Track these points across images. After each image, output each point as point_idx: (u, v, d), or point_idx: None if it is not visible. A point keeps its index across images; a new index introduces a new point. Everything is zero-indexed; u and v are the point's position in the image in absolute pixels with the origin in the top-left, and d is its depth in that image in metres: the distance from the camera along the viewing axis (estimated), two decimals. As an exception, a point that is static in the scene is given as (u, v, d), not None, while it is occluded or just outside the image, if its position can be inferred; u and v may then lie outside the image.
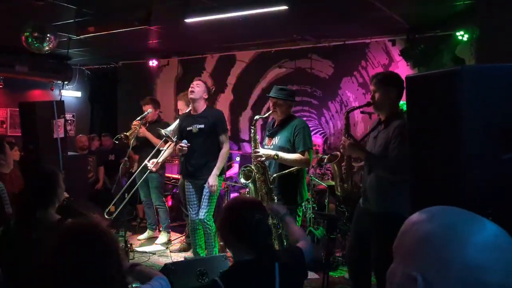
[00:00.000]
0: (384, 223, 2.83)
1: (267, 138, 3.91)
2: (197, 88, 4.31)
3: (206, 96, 4.39)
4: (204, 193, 4.33)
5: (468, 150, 1.83)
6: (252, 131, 3.73)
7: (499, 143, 1.85)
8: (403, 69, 5.93)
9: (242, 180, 3.79)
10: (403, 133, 2.76)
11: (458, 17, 4.94)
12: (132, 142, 5.30)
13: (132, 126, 5.30)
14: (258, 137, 3.75)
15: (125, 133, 5.29)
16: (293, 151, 3.65)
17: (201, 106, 4.38)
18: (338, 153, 3.46)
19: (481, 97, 1.86)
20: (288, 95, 3.81)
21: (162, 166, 5.85)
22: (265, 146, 3.82)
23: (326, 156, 3.58)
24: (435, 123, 1.97)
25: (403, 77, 2.41)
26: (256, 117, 3.79)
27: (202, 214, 4.33)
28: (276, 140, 3.78)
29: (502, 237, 0.76)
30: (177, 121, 4.71)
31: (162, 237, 5.70)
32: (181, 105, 5.18)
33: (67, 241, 1.35)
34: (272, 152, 3.62)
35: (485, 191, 1.83)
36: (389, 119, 3.05)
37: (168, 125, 5.19)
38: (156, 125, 5.48)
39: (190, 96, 4.32)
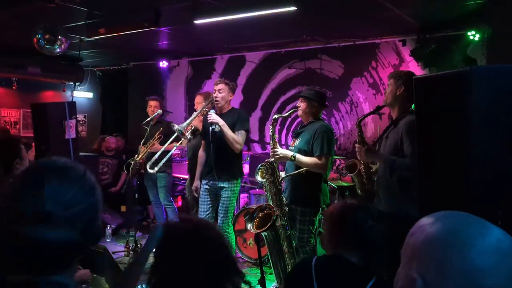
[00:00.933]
0: (395, 223, 2.80)
1: (293, 139, 3.90)
2: (221, 95, 4.22)
3: (231, 97, 4.32)
4: (222, 199, 4.23)
5: (477, 152, 1.82)
6: (271, 130, 3.72)
7: (508, 145, 1.83)
8: (413, 70, 5.87)
9: (259, 178, 3.83)
10: (413, 129, 2.73)
11: (470, 16, 4.88)
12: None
13: (141, 150, 5.31)
14: (277, 136, 3.74)
15: (137, 161, 5.26)
16: (311, 154, 3.61)
17: (226, 107, 4.32)
18: (355, 161, 3.43)
19: (490, 99, 1.84)
20: (317, 96, 3.77)
21: (169, 166, 5.88)
22: (290, 147, 3.82)
23: (344, 168, 3.55)
24: (444, 124, 1.95)
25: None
26: (275, 116, 3.78)
27: (220, 221, 4.20)
28: (297, 142, 3.76)
29: (506, 242, 0.75)
30: (191, 118, 4.54)
31: None
32: (199, 99, 5.12)
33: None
34: (290, 153, 3.61)
35: (494, 193, 1.81)
36: (398, 118, 3.06)
37: (170, 125, 5.20)
38: (158, 125, 5.51)
39: (217, 105, 4.24)
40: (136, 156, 5.28)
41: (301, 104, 3.75)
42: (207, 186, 4.33)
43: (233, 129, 4.14)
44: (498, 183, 1.82)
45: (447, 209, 0.86)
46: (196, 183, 4.65)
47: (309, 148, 3.61)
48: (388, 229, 2.91)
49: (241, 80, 7.62)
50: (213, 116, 3.96)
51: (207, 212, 4.30)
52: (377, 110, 3.23)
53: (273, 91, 7.24)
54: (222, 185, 4.23)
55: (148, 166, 5.00)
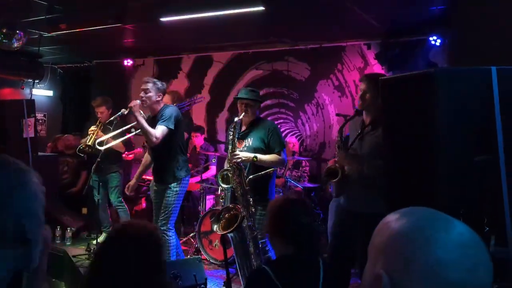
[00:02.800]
0: (373, 224, 2.85)
1: (237, 141, 3.84)
2: (145, 94, 4.01)
3: (160, 98, 4.09)
4: (164, 200, 4.08)
5: (441, 151, 1.85)
6: (231, 133, 3.69)
7: (472, 145, 1.88)
8: (378, 73, 6.02)
9: (223, 185, 3.73)
10: None
11: (432, 22, 5.04)
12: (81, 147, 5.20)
13: (89, 132, 5.14)
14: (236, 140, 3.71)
15: (87, 144, 5.08)
16: (267, 151, 3.67)
17: (157, 108, 4.11)
18: (337, 168, 3.32)
19: (454, 100, 1.88)
20: (259, 96, 3.86)
21: (122, 166, 5.76)
22: (237, 149, 3.78)
23: (325, 176, 3.49)
24: (410, 124, 1.98)
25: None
26: (236, 119, 3.75)
27: (159, 222, 4.06)
28: (249, 142, 3.75)
29: (467, 235, 0.77)
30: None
31: None
32: (166, 98, 5.02)
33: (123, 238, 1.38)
34: (251, 155, 3.60)
35: (458, 191, 1.85)
36: (377, 120, 3.05)
37: (124, 125, 5.07)
38: (109, 126, 5.33)
39: (143, 106, 4.03)
40: (85, 139, 5.08)
41: (250, 108, 3.74)
42: (156, 188, 4.27)
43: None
44: (462, 181, 1.87)
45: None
46: (133, 181, 4.52)
47: (265, 146, 3.68)
48: (366, 229, 2.93)
49: (208, 80, 7.56)
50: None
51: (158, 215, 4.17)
52: (357, 115, 3.23)
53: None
54: (166, 186, 4.09)
55: (96, 142, 4.74)
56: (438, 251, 0.74)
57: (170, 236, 4.06)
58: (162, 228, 4.01)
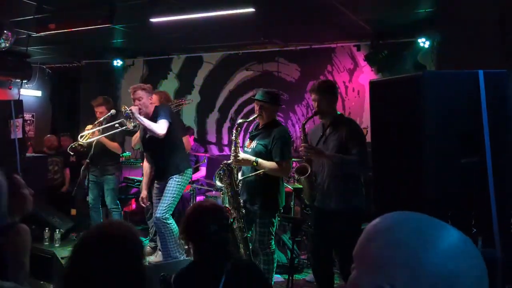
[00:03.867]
0: (345, 218, 3.09)
1: (248, 140, 3.85)
2: (139, 102, 4.16)
3: (151, 99, 4.31)
4: (166, 188, 4.22)
5: (429, 153, 1.87)
6: (234, 134, 3.65)
7: (458, 147, 1.90)
8: (367, 74, 6.06)
9: (218, 183, 3.73)
10: (360, 131, 3.22)
11: (420, 24, 5.09)
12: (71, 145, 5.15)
13: (86, 130, 5.08)
14: (240, 141, 3.67)
15: (80, 143, 5.02)
16: (269, 157, 3.58)
17: (151, 110, 4.26)
18: (306, 165, 3.46)
19: (442, 102, 1.91)
20: (273, 98, 3.73)
21: (118, 168, 5.71)
22: (245, 148, 3.77)
23: (295, 172, 3.61)
24: (397, 126, 2.00)
25: (368, 82, 2.47)
26: (239, 120, 3.73)
27: (159, 210, 4.18)
28: (254, 144, 3.72)
29: (469, 244, 0.76)
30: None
31: None
32: (154, 99, 5.02)
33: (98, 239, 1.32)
34: (252, 158, 3.55)
35: (445, 193, 1.88)
36: (335, 123, 3.31)
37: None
38: (108, 126, 5.30)
39: (142, 114, 4.14)
40: (80, 136, 5.02)
41: (258, 108, 3.73)
42: (158, 185, 4.37)
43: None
44: (449, 183, 1.89)
45: (402, 209, 0.85)
46: (143, 193, 4.55)
47: (266, 152, 3.60)
48: (344, 225, 3.03)
49: (198, 80, 7.55)
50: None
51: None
52: (316, 114, 3.45)
53: (231, 93, 7.22)
54: (167, 180, 4.21)
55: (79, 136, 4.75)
56: (448, 260, 0.73)
57: (171, 223, 4.16)
58: (162, 216, 4.11)
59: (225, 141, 7.30)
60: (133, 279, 1.29)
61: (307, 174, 3.40)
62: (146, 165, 4.60)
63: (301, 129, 3.47)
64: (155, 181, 4.44)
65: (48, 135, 7.21)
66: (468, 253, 0.74)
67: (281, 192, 3.71)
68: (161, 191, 4.30)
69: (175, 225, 4.19)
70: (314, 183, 3.42)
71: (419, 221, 0.80)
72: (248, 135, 3.95)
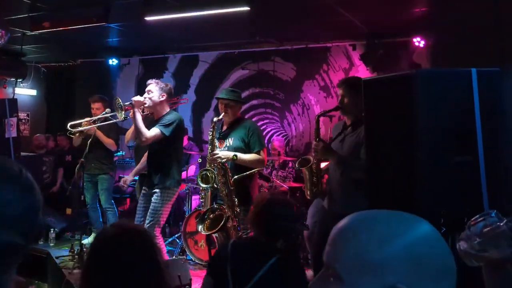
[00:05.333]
0: None
1: (217, 140, 3.84)
2: (147, 95, 3.92)
3: (164, 97, 3.96)
4: (151, 205, 3.94)
5: (422, 152, 1.88)
6: (210, 133, 3.69)
7: (452, 146, 1.90)
8: (363, 73, 6.06)
9: (202, 185, 3.71)
10: None
11: (415, 24, 5.11)
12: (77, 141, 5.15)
13: (84, 124, 5.05)
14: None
15: (80, 129, 4.97)
16: (247, 151, 3.65)
17: (161, 111, 3.99)
18: (309, 157, 3.45)
19: (435, 101, 1.91)
20: (239, 96, 3.83)
21: (112, 168, 5.70)
22: (217, 149, 3.77)
23: (297, 163, 3.56)
24: (390, 125, 2.00)
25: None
26: (215, 119, 3.74)
27: (146, 225, 3.91)
28: (230, 142, 3.73)
29: (437, 234, 0.80)
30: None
31: None
32: None
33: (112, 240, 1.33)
34: (231, 153, 3.58)
35: (438, 192, 1.88)
36: (356, 123, 3.09)
37: (117, 124, 5.03)
38: (104, 124, 5.27)
39: (145, 107, 3.96)
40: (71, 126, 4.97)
41: (223, 106, 3.74)
42: (144, 191, 4.12)
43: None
44: (442, 182, 1.89)
45: (394, 208, 0.86)
46: (129, 177, 4.50)
47: (245, 145, 3.67)
48: None
49: (194, 80, 7.54)
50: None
51: (140, 218, 4.04)
52: (337, 109, 3.25)
53: (226, 92, 7.21)
54: (154, 190, 3.97)
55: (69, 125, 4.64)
56: (442, 246, 0.77)
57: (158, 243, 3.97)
58: None
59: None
60: (153, 270, 1.30)
61: (308, 165, 3.35)
62: (146, 156, 4.41)
63: (315, 122, 3.32)
64: (143, 186, 4.18)
65: (37, 135, 7.17)
66: (435, 242, 0.77)
67: (255, 186, 3.81)
68: (146, 199, 4.04)
69: (162, 243, 4.02)
70: (317, 178, 3.35)
71: (405, 218, 0.81)
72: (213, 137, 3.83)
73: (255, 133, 3.69)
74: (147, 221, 3.95)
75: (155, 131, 3.85)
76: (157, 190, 3.95)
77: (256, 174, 3.82)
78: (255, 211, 2.22)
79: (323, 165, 3.41)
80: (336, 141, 3.26)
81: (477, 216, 1.18)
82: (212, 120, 3.75)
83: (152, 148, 4.07)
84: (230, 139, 3.74)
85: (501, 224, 1.11)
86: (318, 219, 3.42)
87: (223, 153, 3.60)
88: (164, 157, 3.98)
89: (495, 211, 1.16)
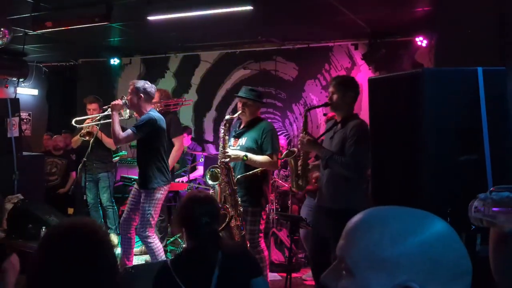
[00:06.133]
0: (340, 219, 2.92)
1: (233, 139, 3.85)
2: (129, 97, 3.99)
3: (141, 98, 3.98)
4: (141, 205, 3.97)
5: (427, 150, 1.87)
6: (222, 131, 3.67)
7: (457, 145, 1.90)
8: (365, 73, 6.05)
9: (210, 182, 3.72)
10: (360, 133, 2.96)
11: (417, 23, 5.10)
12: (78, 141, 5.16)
13: (85, 124, 5.05)
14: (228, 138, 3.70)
15: (88, 130, 4.98)
16: (260, 153, 3.62)
17: (143, 111, 4.01)
18: (295, 149, 3.51)
19: (441, 99, 1.91)
20: (258, 96, 3.76)
21: (113, 166, 5.71)
22: (231, 147, 3.77)
23: (284, 154, 3.61)
24: (396, 123, 2.00)
25: (365, 81, 2.46)
26: (227, 116, 3.74)
27: (137, 226, 3.98)
28: (243, 141, 3.73)
29: (452, 233, 0.78)
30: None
31: (113, 239, 5.51)
32: (157, 97, 5.04)
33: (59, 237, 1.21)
34: (241, 153, 3.57)
35: (445, 190, 1.88)
36: (345, 120, 3.18)
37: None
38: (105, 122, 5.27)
39: (113, 102, 4.03)
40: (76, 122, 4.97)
41: (241, 105, 3.74)
42: (136, 188, 4.16)
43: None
44: (448, 180, 1.89)
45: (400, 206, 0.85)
46: None
47: (257, 147, 3.63)
48: (334, 225, 3.01)
49: (196, 79, 7.53)
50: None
51: (127, 214, 4.10)
52: (326, 105, 3.32)
53: (228, 92, 7.21)
54: (141, 191, 4.02)
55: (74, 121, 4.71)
56: (458, 246, 0.76)
57: (152, 243, 3.94)
58: (141, 233, 3.93)
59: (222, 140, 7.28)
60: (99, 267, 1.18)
61: (293, 156, 3.41)
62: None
63: (303, 116, 3.38)
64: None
65: (56, 136, 7.08)
66: (451, 241, 0.76)
67: (267, 189, 3.76)
68: (137, 198, 4.07)
69: (157, 241, 4.01)
70: (304, 171, 3.39)
71: (417, 216, 0.80)
72: (231, 134, 3.88)
73: (269, 135, 3.62)
74: (140, 222, 3.98)
75: (127, 132, 3.93)
76: (142, 191, 3.99)
77: (268, 175, 3.75)
78: (178, 208, 2.24)
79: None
80: (326, 137, 3.32)
81: (504, 185, 1.17)
82: (225, 118, 3.75)
83: (137, 149, 4.14)
84: (244, 138, 3.72)
85: None
86: (312, 218, 3.46)
87: (234, 152, 3.59)
88: (143, 158, 4.02)
89: None
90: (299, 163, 3.42)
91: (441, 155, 1.90)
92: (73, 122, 4.55)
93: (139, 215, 3.98)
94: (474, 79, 1.91)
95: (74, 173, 6.57)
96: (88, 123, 5.02)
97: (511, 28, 3.77)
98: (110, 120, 4.67)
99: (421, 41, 5.28)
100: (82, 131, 5.04)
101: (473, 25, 3.94)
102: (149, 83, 4.14)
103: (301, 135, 3.31)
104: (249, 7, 4.26)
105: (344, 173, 3.05)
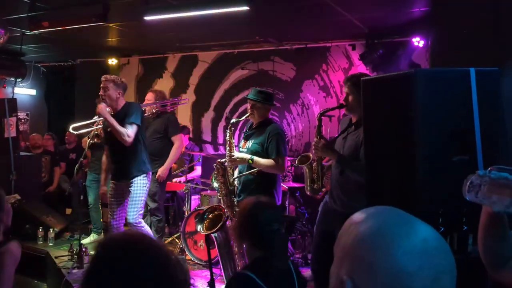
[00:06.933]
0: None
1: (243, 140, 3.84)
2: (103, 93, 3.99)
3: (120, 95, 4.05)
4: (130, 195, 4.04)
5: (421, 151, 1.88)
6: (228, 134, 3.65)
7: (451, 145, 1.90)
8: (362, 73, 6.06)
9: (215, 185, 3.73)
10: None
11: (415, 23, 5.11)
12: (89, 141, 5.13)
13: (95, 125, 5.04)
14: (234, 140, 3.67)
15: (96, 132, 4.97)
16: (266, 156, 3.58)
17: (118, 105, 4.05)
18: (309, 154, 3.46)
19: (434, 100, 1.91)
20: (266, 98, 3.71)
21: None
22: (241, 149, 3.77)
23: (297, 161, 3.56)
24: (389, 124, 2.00)
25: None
26: (233, 120, 3.73)
27: (130, 217, 4.03)
28: (249, 144, 3.72)
29: (431, 242, 0.75)
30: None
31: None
32: (150, 96, 5.05)
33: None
34: (248, 156, 3.55)
35: (437, 190, 1.88)
36: (360, 121, 3.06)
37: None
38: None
39: (98, 110, 3.94)
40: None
41: (251, 107, 3.72)
42: (115, 186, 4.15)
43: (123, 123, 3.93)
44: (441, 181, 1.89)
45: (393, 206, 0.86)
46: (103, 188, 4.44)
47: (263, 150, 3.60)
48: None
49: (194, 80, 7.54)
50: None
51: (117, 210, 4.14)
52: (341, 107, 3.28)
53: (226, 92, 7.21)
54: (128, 182, 4.04)
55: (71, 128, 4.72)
56: (401, 258, 0.72)
57: (143, 226, 4.10)
58: (135, 222, 4.00)
59: (220, 140, 7.30)
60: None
61: (307, 163, 3.36)
62: (105, 161, 4.45)
63: (317, 120, 3.31)
64: (112, 181, 4.19)
65: (33, 134, 7.17)
66: (426, 251, 0.74)
67: (278, 190, 3.71)
68: (118, 193, 4.10)
69: (147, 227, 4.17)
70: (318, 175, 3.36)
71: (386, 217, 0.80)
72: (242, 136, 3.92)
73: (274, 139, 3.56)
74: (132, 212, 4.02)
75: (131, 126, 3.93)
76: (135, 178, 4.02)
77: (279, 178, 3.72)
78: (240, 218, 2.05)
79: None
80: (339, 137, 3.26)
81: (504, 166, 1.16)
82: (231, 121, 3.74)
83: (115, 139, 3.97)
84: (251, 141, 3.70)
85: None
86: (320, 215, 3.42)
87: (240, 155, 3.57)
88: (135, 145, 4.02)
89: None
90: (314, 167, 3.38)
91: (434, 156, 1.90)
92: (70, 129, 4.55)
93: (126, 207, 4.05)
94: (466, 79, 1.91)
95: (57, 169, 6.64)
96: (90, 127, 5.01)
97: (507, 29, 3.77)
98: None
99: (418, 41, 5.28)
100: (91, 133, 5.04)
101: (469, 26, 3.94)
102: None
103: (315, 139, 3.23)
104: (245, 8, 4.25)
105: (359, 179, 2.94)
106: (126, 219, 4.14)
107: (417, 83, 1.88)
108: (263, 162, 3.55)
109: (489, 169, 1.17)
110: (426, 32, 5.19)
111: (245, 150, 3.70)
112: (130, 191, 4.03)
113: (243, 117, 3.80)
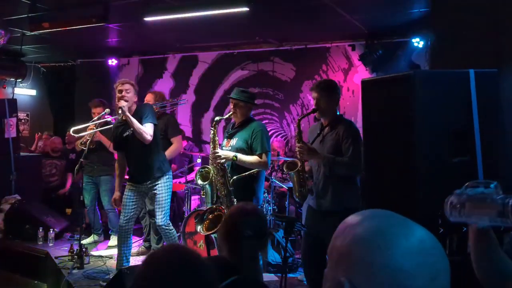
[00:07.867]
0: (339, 219, 2.93)
1: (225, 139, 3.88)
2: (127, 95, 4.00)
3: (136, 99, 4.11)
4: (156, 197, 4.08)
5: (420, 152, 1.88)
6: (212, 132, 3.70)
7: (449, 146, 1.91)
8: (362, 74, 6.07)
9: (199, 182, 3.74)
10: (354, 132, 3.04)
11: (414, 24, 5.11)
12: (80, 147, 5.15)
13: (88, 129, 5.04)
14: (218, 138, 3.71)
15: (88, 138, 4.97)
16: (250, 153, 3.64)
17: (132, 108, 4.06)
18: (296, 160, 3.50)
19: (433, 101, 1.92)
20: (249, 97, 3.79)
21: (114, 168, 5.69)
22: (224, 148, 3.78)
23: (285, 167, 3.59)
24: (388, 125, 2.01)
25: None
26: (217, 118, 3.76)
27: (160, 220, 4.08)
28: (234, 142, 3.76)
29: (428, 242, 0.76)
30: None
31: (114, 241, 5.51)
32: (149, 97, 5.06)
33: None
34: (231, 154, 3.59)
35: (436, 192, 1.88)
36: (333, 122, 3.24)
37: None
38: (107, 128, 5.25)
39: (122, 105, 3.92)
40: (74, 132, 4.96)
41: (239, 109, 3.75)
42: (133, 188, 4.13)
43: (141, 123, 3.96)
44: (440, 182, 1.90)
45: (391, 209, 0.86)
46: (116, 194, 4.44)
47: (247, 147, 3.65)
48: (333, 227, 3.00)
49: (194, 80, 7.54)
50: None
51: (131, 213, 4.13)
52: (314, 111, 3.36)
53: (226, 92, 7.21)
54: (150, 185, 4.07)
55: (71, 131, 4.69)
56: (399, 258, 0.73)
57: (172, 229, 4.17)
58: (165, 224, 4.08)
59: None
60: None
61: (296, 169, 3.41)
62: (117, 165, 4.41)
63: (296, 126, 3.44)
64: (131, 183, 4.17)
65: (54, 137, 7.11)
66: (423, 251, 0.75)
67: (259, 189, 3.75)
68: (137, 196, 4.11)
69: (174, 231, 4.23)
70: (303, 179, 3.41)
71: (383, 219, 0.81)
72: (224, 135, 3.95)
73: (259, 135, 3.64)
74: (159, 214, 4.08)
75: (149, 125, 3.97)
76: (159, 181, 4.07)
77: (261, 175, 3.76)
78: (224, 221, 2.03)
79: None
80: (316, 142, 3.34)
81: (479, 181, 1.17)
82: (213, 119, 3.77)
83: (131, 142, 4.01)
84: (235, 139, 3.75)
85: (497, 198, 1.09)
86: (307, 220, 3.47)
87: (223, 152, 3.61)
88: (154, 146, 4.09)
89: (496, 182, 1.14)
90: (300, 172, 3.42)
91: (433, 157, 1.90)
92: (70, 132, 4.55)
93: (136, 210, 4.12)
94: (466, 81, 1.92)
95: (70, 174, 6.61)
96: (90, 129, 5.00)
97: (507, 30, 3.78)
98: (110, 126, 4.71)
99: (417, 42, 5.29)
100: (82, 139, 5.04)
101: (469, 27, 3.95)
102: None
103: (297, 145, 3.30)
104: (245, 8, 4.26)
105: (349, 173, 3.09)
106: (130, 220, 4.13)
107: (416, 84, 1.88)
108: (247, 159, 3.59)
109: (465, 185, 1.18)
110: (425, 33, 5.20)
111: (229, 148, 3.73)
112: (155, 193, 4.06)
113: (226, 116, 3.83)
